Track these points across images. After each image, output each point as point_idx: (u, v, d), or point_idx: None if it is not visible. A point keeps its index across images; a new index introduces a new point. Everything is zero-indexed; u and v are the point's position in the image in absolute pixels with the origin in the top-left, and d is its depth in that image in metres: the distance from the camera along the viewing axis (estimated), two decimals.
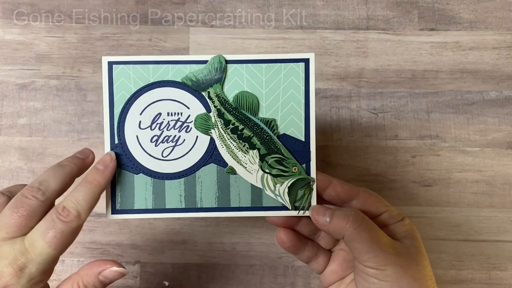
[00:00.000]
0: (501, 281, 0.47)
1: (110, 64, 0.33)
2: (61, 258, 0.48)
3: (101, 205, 0.48)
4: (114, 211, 0.33)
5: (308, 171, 0.33)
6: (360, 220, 0.31)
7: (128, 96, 0.33)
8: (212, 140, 0.33)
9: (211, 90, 0.33)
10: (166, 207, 0.33)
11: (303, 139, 0.33)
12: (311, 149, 0.33)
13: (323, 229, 0.33)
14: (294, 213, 0.33)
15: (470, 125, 0.48)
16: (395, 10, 0.49)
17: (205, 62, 0.33)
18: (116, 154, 0.33)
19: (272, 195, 0.33)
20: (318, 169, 0.34)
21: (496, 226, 0.47)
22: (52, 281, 0.48)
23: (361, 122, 0.48)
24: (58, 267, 0.47)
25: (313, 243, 0.36)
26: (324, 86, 0.48)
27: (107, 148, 0.33)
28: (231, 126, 0.33)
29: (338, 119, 0.48)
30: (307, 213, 0.33)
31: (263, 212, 0.33)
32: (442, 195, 0.47)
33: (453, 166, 0.47)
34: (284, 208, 0.33)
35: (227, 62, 0.33)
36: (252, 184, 0.33)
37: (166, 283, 0.47)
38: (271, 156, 0.33)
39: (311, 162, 0.33)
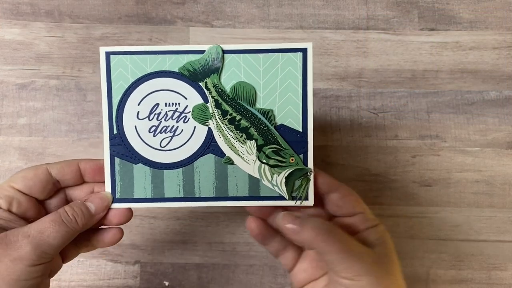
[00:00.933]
0: (501, 281, 0.47)
1: (108, 54, 0.33)
2: None
3: None
4: (114, 200, 0.34)
5: (305, 162, 0.33)
6: (329, 232, 0.30)
7: (126, 86, 0.33)
8: (209, 131, 0.33)
9: (208, 80, 0.33)
10: (165, 197, 0.33)
11: (301, 130, 0.33)
12: (308, 140, 0.33)
13: (292, 239, 0.32)
14: (291, 203, 0.33)
15: (470, 125, 0.48)
16: (395, 10, 0.49)
17: (202, 52, 0.32)
18: (115, 144, 0.33)
19: (269, 185, 0.33)
20: (318, 169, 0.34)
21: (496, 226, 0.47)
22: (52, 281, 0.48)
23: (361, 122, 0.48)
24: None
25: (283, 237, 0.35)
26: (324, 86, 0.48)
27: (106, 137, 0.33)
28: (228, 117, 0.33)
29: (338, 119, 0.48)
30: (304, 203, 0.33)
31: (260, 201, 0.33)
32: (442, 195, 0.47)
33: (453, 166, 0.47)
34: (281, 198, 0.33)
35: (224, 52, 0.32)
36: (249, 174, 0.33)
37: (166, 283, 0.47)
38: (268, 147, 0.33)
39: (309, 153, 0.33)
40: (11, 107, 0.48)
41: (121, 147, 0.33)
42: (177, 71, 0.33)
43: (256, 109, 0.33)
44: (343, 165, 0.48)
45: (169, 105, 0.33)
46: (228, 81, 0.33)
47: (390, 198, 0.47)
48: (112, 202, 0.33)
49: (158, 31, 0.49)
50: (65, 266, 0.47)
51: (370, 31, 0.49)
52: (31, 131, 0.48)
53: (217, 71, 0.33)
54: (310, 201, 0.33)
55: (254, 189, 0.33)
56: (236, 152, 0.33)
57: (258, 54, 0.33)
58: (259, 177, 0.33)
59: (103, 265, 0.47)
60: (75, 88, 0.48)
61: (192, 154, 0.33)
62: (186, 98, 0.33)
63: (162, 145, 0.33)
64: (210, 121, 0.33)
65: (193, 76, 0.33)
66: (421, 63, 0.48)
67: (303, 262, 0.35)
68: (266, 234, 0.35)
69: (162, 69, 0.33)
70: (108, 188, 0.33)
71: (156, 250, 0.47)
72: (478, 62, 0.48)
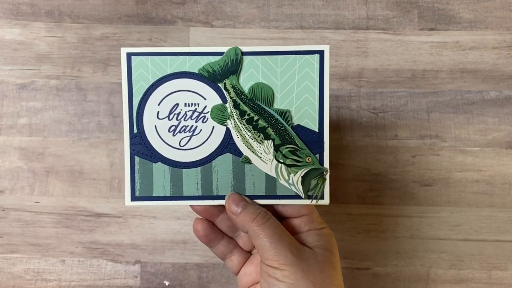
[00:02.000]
0: (501, 281, 0.47)
1: (129, 55, 0.33)
2: (61, 258, 0.48)
3: (101, 204, 0.48)
4: (134, 198, 0.34)
5: (321, 161, 0.34)
6: (266, 219, 0.31)
7: (147, 86, 0.34)
8: (228, 130, 0.34)
9: (227, 81, 0.33)
10: (184, 195, 0.34)
11: (317, 130, 0.34)
12: (324, 140, 0.34)
13: (232, 218, 0.33)
14: (307, 201, 0.34)
15: (470, 124, 0.48)
16: (395, 10, 0.49)
17: (221, 53, 0.33)
18: (135, 143, 0.34)
19: (286, 184, 0.34)
20: None
21: (496, 225, 0.47)
22: (52, 281, 0.48)
23: (361, 122, 0.48)
24: (58, 267, 0.48)
25: (230, 240, 0.36)
26: None
27: (127, 136, 0.34)
28: (246, 117, 0.34)
29: (338, 119, 0.48)
30: (320, 202, 0.34)
31: (277, 200, 0.34)
32: (442, 194, 0.47)
33: (453, 165, 0.47)
34: (297, 197, 0.34)
35: (243, 53, 0.33)
36: (266, 173, 0.34)
37: (167, 283, 0.47)
38: (285, 147, 0.33)
39: (325, 153, 0.34)
40: (11, 107, 0.48)
41: (141, 146, 0.34)
42: (197, 72, 0.33)
43: (273, 110, 0.33)
44: (343, 165, 0.48)
45: (189, 105, 0.34)
46: (246, 82, 0.33)
47: (390, 198, 0.47)
48: (132, 200, 0.34)
49: (158, 31, 0.49)
50: (64, 266, 0.48)
51: (370, 31, 0.49)
52: (31, 131, 0.48)
53: (236, 72, 0.33)
54: (326, 200, 0.34)
55: (271, 188, 0.34)
56: (253, 151, 0.34)
57: (276, 56, 0.33)
58: (275, 176, 0.34)
59: (103, 265, 0.47)
60: (75, 88, 0.48)
61: (211, 153, 0.34)
62: (205, 99, 0.34)
63: (181, 145, 0.34)
64: (228, 121, 0.34)
65: (212, 77, 0.33)
66: (421, 63, 0.48)
67: (249, 266, 0.36)
68: (212, 237, 0.35)
69: (182, 70, 0.34)
70: (127, 186, 0.34)
71: (157, 250, 0.47)
72: (478, 62, 0.48)
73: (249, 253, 0.37)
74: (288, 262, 0.30)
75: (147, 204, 0.34)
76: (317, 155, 0.34)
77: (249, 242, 0.36)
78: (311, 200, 0.34)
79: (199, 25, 0.49)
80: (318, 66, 0.33)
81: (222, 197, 0.34)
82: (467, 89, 0.48)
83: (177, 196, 0.34)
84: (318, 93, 0.33)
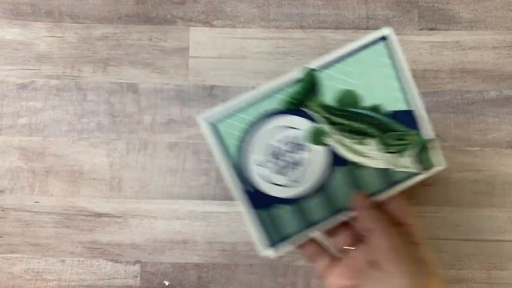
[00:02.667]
0: (501, 281, 0.47)
1: (214, 123, 0.33)
2: (61, 258, 0.48)
3: (101, 204, 0.48)
4: (271, 246, 0.35)
5: (422, 134, 0.34)
6: (388, 221, 0.32)
7: (238, 143, 0.34)
8: (330, 148, 0.34)
9: (311, 103, 0.33)
10: (313, 221, 0.35)
11: (407, 108, 0.34)
12: (418, 114, 0.34)
13: (359, 214, 0.34)
14: (426, 174, 0.35)
15: (470, 124, 0.48)
16: (395, 10, 0.49)
17: (297, 81, 0.33)
18: (250, 199, 0.34)
19: (400, 169, 0.35)
20: None
21: (496, 225, 0.47)
22: (52, 281, 0.48)
23: None
24: (58, 267, 0.48)
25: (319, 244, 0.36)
26: None
27: (241, 197, 0.34)
28: (342, 127, 0.34)
29: None
30: (436, 169, 0.35)
31: (397, 187, 0.35)
32: (442, 194, 0.47)
33: (453, 165, 0.47)
34: (415, 175, 0.35)
35: (316, 70, 0.33)
36: (379, 168, 0.34)
37: (167, 283, 0.47)
38: (387, 136, 0.34)
39: (422, 124, 0.34)
40: (11, 107, 0.48)
41: (256, 199, 0.34)
42: (281, 107, 0.33)
43: (363, 109, 0.34)
44: None
45: (284, 141, 0.34)
46: (329, 94, 0.33)
47: None
48: (270, 248, 0.35)
49: (158, 31, 0.49)
50: (64, 266, 0.48)
51: (370, 30, 0.49)
52: (31, 131, 0.48)
53: (316, 91, 0.33)
54: (443, 165, 0.35)
55: (387, 179, 0.35)
56: (361, 155, 0.34)
57: (347, 59, 0.33)
58: (389, 167, 0.34)
59: (103, 265, 0.47)
60: (75, 88, 0.48)
61: (322, 175, 0.34)
62: (297, 128, 0.34)
63: (292, 180, 0.34)
64: (327, 139, 0.34)
65: (297, 106, 0.33)
66: (421, 62, 0.48)
67: (336, 268, 0.35)
68: (315, 254, 0.36)
69: (266, 112, 0.33)
70: (262, 241, 0.34)
71: (156, 250, 0.47)
72: (478, 62, 0.48)
73: (334, 256, 0.36)
74: (405, 269, 0.30)
75: (287, 247, 0.35)
76: (417, 131, 0.34)
77: (337, 245, 0.36)
78: (428, 171, 0.35)
79: (199, 25, 0.49)
80: (386, 51, 0.33)
81: (345, 209, 0.34)
82: (467, 89, 0.48)
83: (308, 225, 0.35)
84: (395, 74, 0.34)
